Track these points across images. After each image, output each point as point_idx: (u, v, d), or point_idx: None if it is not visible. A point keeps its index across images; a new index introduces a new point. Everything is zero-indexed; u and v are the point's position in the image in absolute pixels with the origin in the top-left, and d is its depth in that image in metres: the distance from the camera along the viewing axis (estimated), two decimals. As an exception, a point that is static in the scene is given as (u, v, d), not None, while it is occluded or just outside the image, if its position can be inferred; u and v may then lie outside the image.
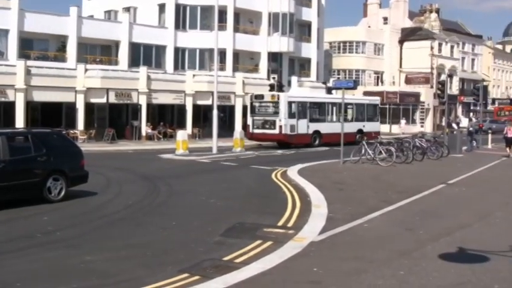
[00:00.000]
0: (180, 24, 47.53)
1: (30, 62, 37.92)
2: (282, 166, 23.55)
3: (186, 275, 8.42)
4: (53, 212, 13.56)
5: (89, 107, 40.11)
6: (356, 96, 44.26)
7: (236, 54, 49.79)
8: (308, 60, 56.35)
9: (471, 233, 11.18)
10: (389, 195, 15.89)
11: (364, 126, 39.99)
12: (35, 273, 8.60)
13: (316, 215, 12.72)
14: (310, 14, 55.67)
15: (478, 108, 52.69)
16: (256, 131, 36.50)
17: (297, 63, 55.63)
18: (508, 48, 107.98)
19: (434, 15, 77.82)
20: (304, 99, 37.75)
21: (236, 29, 49.40)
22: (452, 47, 76.93)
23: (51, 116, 37.16)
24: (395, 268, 8.53)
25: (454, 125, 52.89)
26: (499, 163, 26.73)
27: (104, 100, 40.22)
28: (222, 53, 46.26)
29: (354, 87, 27.35)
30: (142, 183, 18.87)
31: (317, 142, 36.70)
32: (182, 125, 43.01)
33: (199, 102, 45.29)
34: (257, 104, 36.93)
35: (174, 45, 46.92)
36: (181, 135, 30.30)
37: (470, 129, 35.39)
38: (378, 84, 68.43)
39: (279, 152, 33.30)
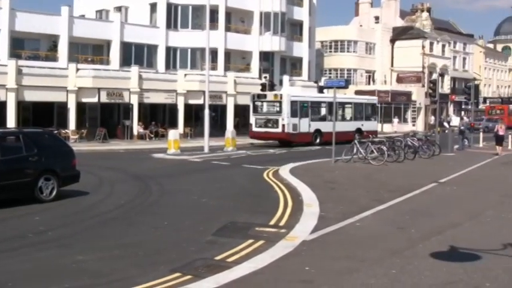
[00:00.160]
0: (171, 23, 47.47)
1: (21, 62, 37.76)
2: (274, 165, 23.54)
3: (178, 274, 8.43)
4: (45, 212, 13.53)
5: (81, 107, 40.03)
6: (355, 95, 44.43)
7: (228, 54, 49.79)
8: (300, 60, 56.40)
9: (462, 232, 11.22)
10: (381, 194, 15.91)
11: (362, 125, 40.29)
12: (27, 273, 8.58)
13: (308, 214, 12.72)
14: (301, 13, 55.72)
15: (470, 107, 52.83)
16: (259, 129, 36.67)
17: (288, 62, 55.66)
18: (499, 47, 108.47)
19: (425, 14, 77.94)
20: (306, 98, 38.20)
21: (228, 29, 49.38)
22: (443, 46, 77.15)
23: (42, 115, 37.02)
24: (387, 267, 8.55)
25: (446, 124, 53.01)
26: (490, 162, 26.82)
27: (95, 100, 40.06)
28: (214, 53, 46.22)
29: (346, 86, 27.40)
30: (134, 183, 18.84)
31: (318, 141, 36.91)
32: (174, 125, 42.89)
33: (191, 102, 45.23)
34: (259, 103, 37.18)
35: (166, 44, 46.88)
36: (173, 134, 30.27)
37: (462, 128, 35.46)
38: (369, 83, 68.45)
39: (271, 151, 33.30)
